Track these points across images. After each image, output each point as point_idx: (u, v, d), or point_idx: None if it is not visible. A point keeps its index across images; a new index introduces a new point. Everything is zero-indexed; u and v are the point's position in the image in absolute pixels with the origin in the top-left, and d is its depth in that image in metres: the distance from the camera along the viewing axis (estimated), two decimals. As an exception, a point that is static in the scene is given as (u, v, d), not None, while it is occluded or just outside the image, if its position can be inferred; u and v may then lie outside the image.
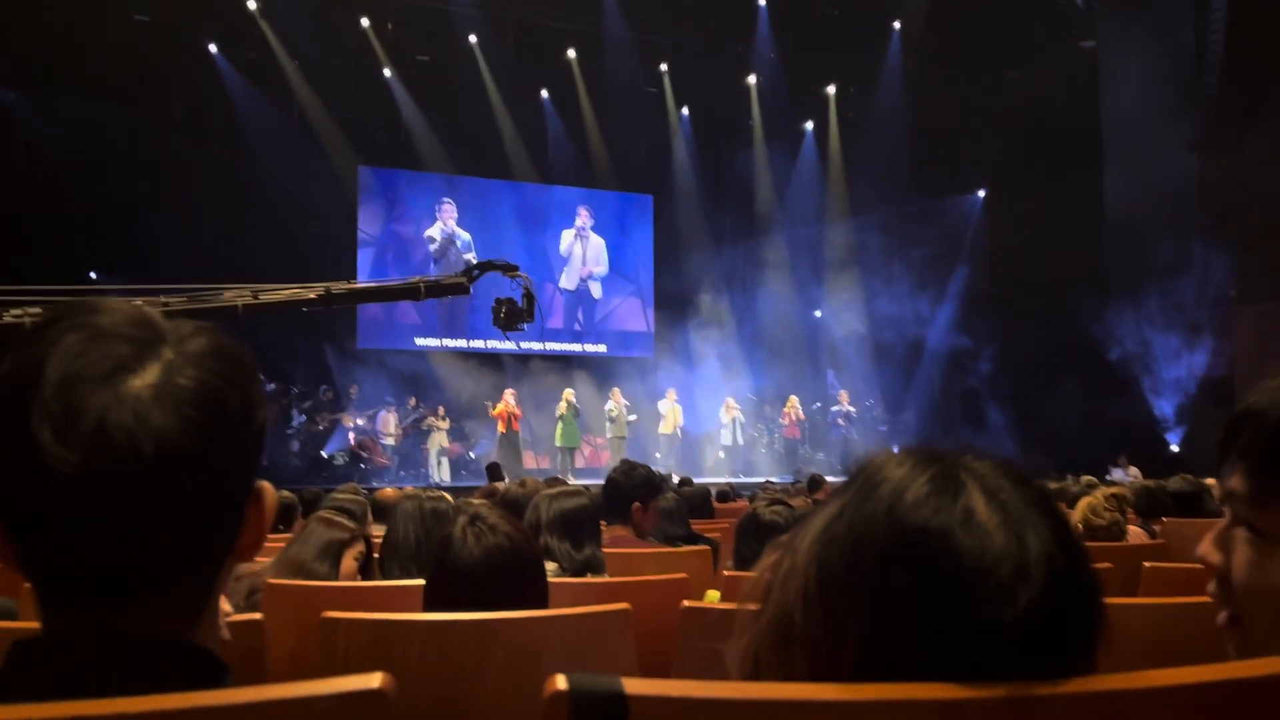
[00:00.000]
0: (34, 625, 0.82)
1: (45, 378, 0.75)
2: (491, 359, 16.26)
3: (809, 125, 18.20)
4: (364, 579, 2.83)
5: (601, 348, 17.63)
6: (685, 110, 17.58)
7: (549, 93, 16.85)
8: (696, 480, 10.43)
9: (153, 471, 0.75)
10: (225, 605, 2.55)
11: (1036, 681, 0.65)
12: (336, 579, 2.71)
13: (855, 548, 0.68)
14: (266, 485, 0.88)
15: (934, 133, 17.18)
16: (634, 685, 0.64)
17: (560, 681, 0.64)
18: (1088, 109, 15.99)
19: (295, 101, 15.25)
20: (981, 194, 17.79)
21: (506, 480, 9.39)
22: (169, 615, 0.81)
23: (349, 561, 2.76)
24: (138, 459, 0.74)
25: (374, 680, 0.67)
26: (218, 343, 0.83)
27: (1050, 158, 15.64)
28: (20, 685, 0.77)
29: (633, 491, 3.68)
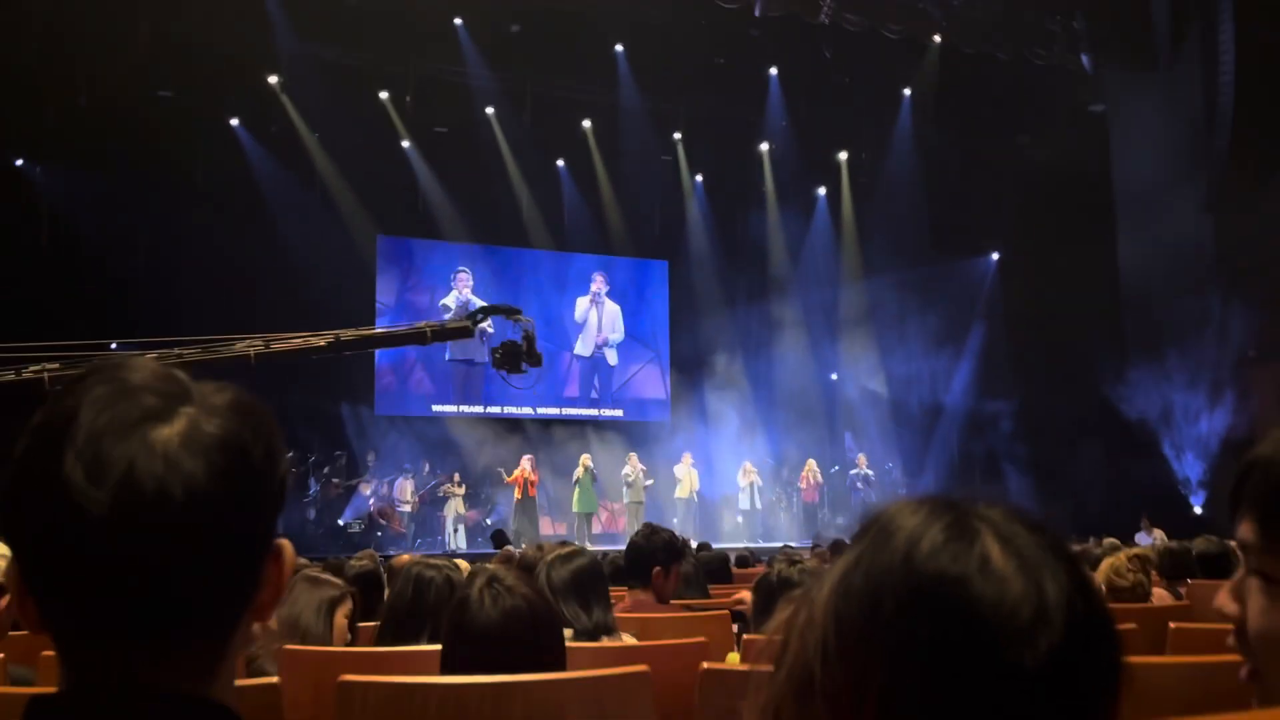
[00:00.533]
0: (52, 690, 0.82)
1: (77, 426, 0.77)
2: (508, 424, 16.27)
3: (822, 190, 18.37)
4: (351, 638, 2.85)
5: (618, 412, 17.62)
6: (699, 178, 17.81)
7: (565, 162, 17.10)
8: (715, 545, 10.34)
9: (180, 517, 0.76)
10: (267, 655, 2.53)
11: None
12: (331, 638, 2.71)
13: (873, 597, 0.68)
14: (286, 543, 0.89)
15: (946, 196, 17.33)
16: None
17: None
18: (1100, 171, 16.12)
19: (315, 173, 15.52)
20: (995, 256, 17.87)
21: (514, 546, 9.34)
22: (188, 670, 0.81)
23: (340, 618, 2.77)
24: (166, 503, 0.76)
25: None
26: (241, 398, 0.85)
27: (1064, 220, 15.73)
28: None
29: (654, 556, 3.64)
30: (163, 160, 13.78)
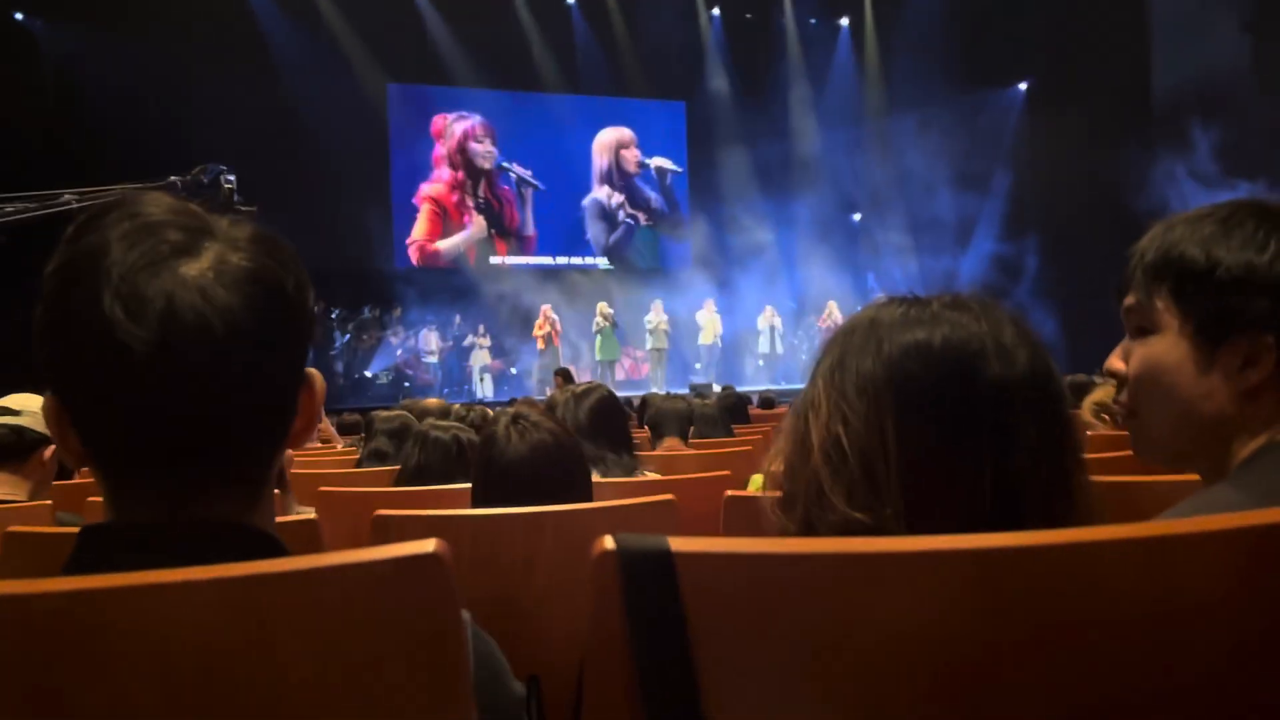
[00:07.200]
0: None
1: (110, 263, 0.77)
2: (530, 274, 16.28)
3: (845, 21, 17.69)
4: None
5: (638, 259, 17.52)
6: (716, 11, 17.15)
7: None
8: (739, 388, 10.49)
9: (222, 349, 0.77)
10: (296, 507, 2.58)
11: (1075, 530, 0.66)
12: None
13: (865, 370, 0.89)
14: (315, 372, 0.90)
15: (974, 24, 16.62)
16: (679, 543, 0.65)
17: (609, 542, 0.66)
18: (1135, -8, 15.39)
19: (321, 20, 15.08)
20: (1024, 86, 17.27)
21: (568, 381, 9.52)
22: (231, 499, 0.84)
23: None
24: (208, 336, 0.76)
25: (429, 545, 0.70)
26: (261, 231, 0.85)
27: (1096, 46, 15.11)
28: (89, 566, 0.81)
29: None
30: (164, 10, 13.41)
